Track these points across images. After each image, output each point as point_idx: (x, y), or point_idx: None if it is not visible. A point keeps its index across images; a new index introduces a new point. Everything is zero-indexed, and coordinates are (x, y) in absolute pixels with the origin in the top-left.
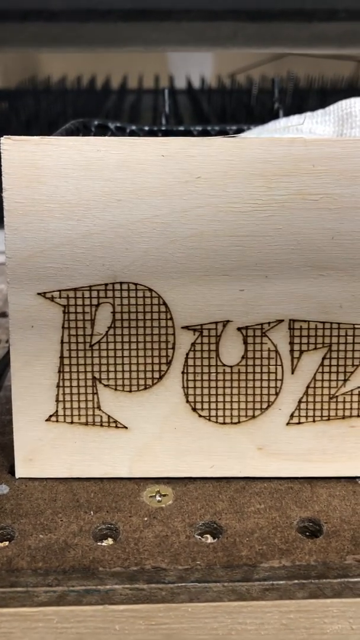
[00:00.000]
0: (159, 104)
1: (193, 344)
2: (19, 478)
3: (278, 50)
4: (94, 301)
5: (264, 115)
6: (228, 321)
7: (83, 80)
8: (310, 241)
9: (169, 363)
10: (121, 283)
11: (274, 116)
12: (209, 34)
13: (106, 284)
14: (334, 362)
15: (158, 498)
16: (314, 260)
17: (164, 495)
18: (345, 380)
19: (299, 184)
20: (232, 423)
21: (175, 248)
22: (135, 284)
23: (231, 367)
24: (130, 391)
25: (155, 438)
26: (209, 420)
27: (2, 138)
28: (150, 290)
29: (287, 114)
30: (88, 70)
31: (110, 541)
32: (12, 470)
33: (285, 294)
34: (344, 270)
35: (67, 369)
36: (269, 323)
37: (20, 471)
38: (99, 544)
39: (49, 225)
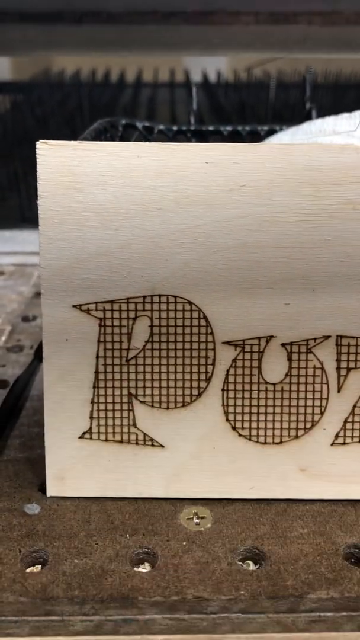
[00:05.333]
0: (175, 98)
1: (234, 360)
2: (50, 497)
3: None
4: (132, 314)
5: (284, 111)
6: (272, 336)
7: (97, 74)
8: None
9: (208, 380)
10: (160, 295)
11: (304, 115)
12: (276, 37)
13: (144, 297)
14: None
15: (196, 520)
16: None
17: (202, 518)
18: None
19: (349, 194)
20: (273, 443)
21: (217, 259)
22: (175, 297)
23: (274, 384)
24: (167, 408)
25: (193, 457)
26: (250, 440)
27: (38, 142)
28: (190, 303)
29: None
30: (101, 63)
31: (147, 566)
32: (42, 488)
33: (332, 308)
34: None
35: (102, 384)
36: (315, 339)
37: (52, 490)
38: (136, 569)
39: (86, 234)
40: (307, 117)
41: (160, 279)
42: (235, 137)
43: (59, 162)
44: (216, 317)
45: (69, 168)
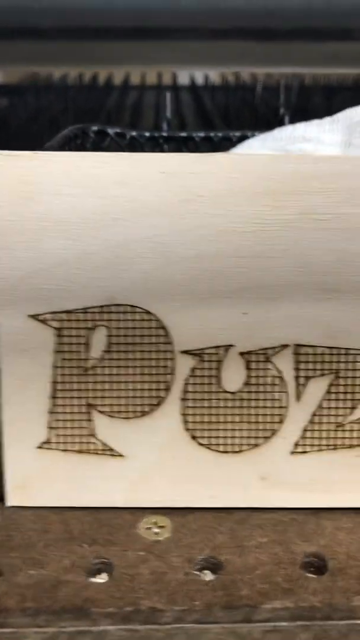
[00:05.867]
0: (161, 102)
1: (193, 369)
2: (10, 507)
3: (289, 70)
4: (89, 324)
5: (268, 115)
6: (230, 346)
7: (85, 77)
8: (318, 263)
9: (167, 389)
10: (118, 305)
11: (279, 120)
12: (214, 53)
13: (102, 306)
14: (341, 389)
15: (155, 530)
16: (322, 283)
17: (162, 527)
18: (352, 408)
19: (306, 203)
20: (233, 452)
21: (175, 269)
22: (133, 307)
23: (233, 393)
24: (126, 418)
25: (153, 467)
26: (209, 449)
27: None
28: (149, 313)
29: (293, 113)
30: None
31: (104, 576)
32: (2, 498)
33: (290, 317)
34: (353, 293)
35: (60, 394)
36: (273, 348)
37: (11, 499)
38: (93, 580)
39: (43, 244)
40: (280, 123)
41: (118, 289)
42: (208, 143)
43: (15, 172)
44: (175, 327)
45: (25, 178)
